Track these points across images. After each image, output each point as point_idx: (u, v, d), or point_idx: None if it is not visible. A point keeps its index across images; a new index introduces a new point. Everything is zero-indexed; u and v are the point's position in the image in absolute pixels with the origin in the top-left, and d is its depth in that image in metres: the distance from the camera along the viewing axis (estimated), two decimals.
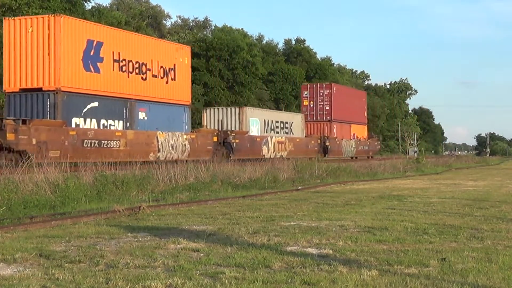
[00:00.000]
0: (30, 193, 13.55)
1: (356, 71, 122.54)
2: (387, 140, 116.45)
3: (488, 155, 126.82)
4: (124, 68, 30.39)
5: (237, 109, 41.09)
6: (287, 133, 45.96)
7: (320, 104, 55.77)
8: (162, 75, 33.08)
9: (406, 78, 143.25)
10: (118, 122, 29.81)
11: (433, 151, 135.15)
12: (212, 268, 6.81)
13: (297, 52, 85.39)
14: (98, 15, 47.92)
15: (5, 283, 6.10)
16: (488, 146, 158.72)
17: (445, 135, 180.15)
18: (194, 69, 65.28)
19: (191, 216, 11.79)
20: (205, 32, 79.12)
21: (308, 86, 58.30)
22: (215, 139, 36.07)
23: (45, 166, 15.58)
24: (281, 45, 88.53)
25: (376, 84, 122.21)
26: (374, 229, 9.76)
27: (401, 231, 9.60)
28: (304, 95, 57.11)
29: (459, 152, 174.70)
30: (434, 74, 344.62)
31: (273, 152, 41.81)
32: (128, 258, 7.33)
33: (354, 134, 60.33)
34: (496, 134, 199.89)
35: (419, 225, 10.27)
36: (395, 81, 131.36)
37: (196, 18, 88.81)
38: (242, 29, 78.48)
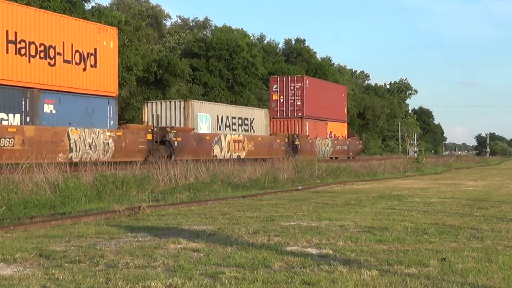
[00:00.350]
0: (30, 193, 13.56)
1: (355, 71, 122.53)
2: (387, 140, 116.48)
3: (488, 155, 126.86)
4: (23, 51, 25.29)
5: (182, 103, 36.04)
6: (246, 130, 40.76)
7: (291, 99, 50.16)
8: (78, 61, 27.95)
9: (406, 78, 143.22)
10: (14, 116, 24.71)
11: (433, 151, 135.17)
12: (212, 268, 6.81)
13: (297, 52, 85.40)
14: (98, 15, 47.89)
15: (5, 283, 6.10)
16: (488, 146, 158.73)
17: (445, 135, 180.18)
18: (194, 69, 65.33)
19: (191, 216, 11.79)
20: (205, 32, 79.13)
21: (278, 79, 52.10)
22: (149, 137, 30.92)
23: (45, 166, 15.58)
24: (281, 45, 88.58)
25: (376, 84, 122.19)
26: (374, 229, 9.76)
27: (401, 231, 9.60)
28: (273, 89, 51.27)
29: (459, 152, 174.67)
30: (434, 74, 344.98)
31: (228, 152, 37.09)
32: (128, 258, 7.33)
33: (331, 132, 55.00)
34: (496, 134, 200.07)
35: (419, 225, 10.27)
36: (395, 81, 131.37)
37: (196, 18, 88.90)
38: (242, 29, 78.58)
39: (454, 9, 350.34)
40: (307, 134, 49.17)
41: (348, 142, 58.19)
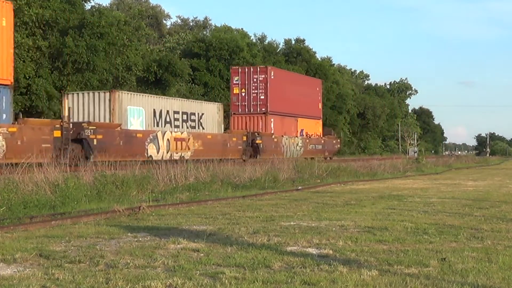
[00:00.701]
0: (30, 193, 13.56)
1: (355, 70, 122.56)
2: (387, 140, 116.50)
3: (488, 155, 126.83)
4: None
5: (107, 94, 30.48)
6: (193, 127, 35.84)
7: (253, 93, 44.62)
8: None
9: (406, 78, 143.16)
10: None
11: (433, 151, 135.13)
12: (212, 268, 6.81)
13: (296, 52, 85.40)
14: (98, 14, 47.87)
15: (5, 283, 6.10)
16: (488, 146, 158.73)
17: (445, 135, 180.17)
18: (194, 69, 65.31)
19: (191, 216, 11.79)
20: (205, 32, 79.15)
21: (240, 70, 45.98)
22: (56, 133, 26.05)
23: (45, 166, 15.58)
24: (281, 45, 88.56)
25: (376, 84, 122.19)
26: (374, 229, 9.76)
27: (401, 231, 9.60)
28: (234, 81, 45.59)
29: (459, 152, 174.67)
30: (434, 74, 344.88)
31: (167, 152, 32.61)
32: (128, 258, 7.33)
33: (302, 130, 49.70)
34: (496, 134, 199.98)
35: (419, 225, 10.27)
36: (395, 81, 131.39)
37: (196, 17, 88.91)
38: (242, 29, 78.57)
39: (454, 9, 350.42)
40: (272, 132, 44.46)
41: (323, 141, 53.06)
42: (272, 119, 44.84)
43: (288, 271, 6.59)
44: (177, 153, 33.46)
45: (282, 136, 45.37)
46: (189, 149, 34.57)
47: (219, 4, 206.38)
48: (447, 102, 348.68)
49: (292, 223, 10.71)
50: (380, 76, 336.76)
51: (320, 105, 55.20)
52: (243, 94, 44.65)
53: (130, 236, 9.14)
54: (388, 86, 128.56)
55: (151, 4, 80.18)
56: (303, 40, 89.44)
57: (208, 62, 66.74)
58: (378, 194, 17.81)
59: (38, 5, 43.31)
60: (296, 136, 48.16)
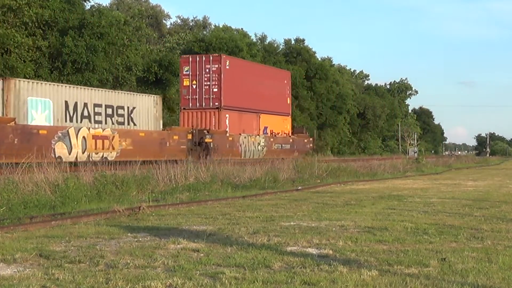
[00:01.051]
0: (30, 193, 13.56)
1: (355, 70, 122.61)
2: (387, 140, 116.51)
3: (488, 155, 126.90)
4: None
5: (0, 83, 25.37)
6: (121, 123, 30.70)
7: (205, 85, 39.47)
8: None
9: (406, 78, 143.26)
10: None
11: (433, 151, 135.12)
12: (212, 268, 6.81)
13: (296, 52, 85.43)
14: (98, 14, 47.87)
15: (5, 283, 6.10)
16: (488, 146, 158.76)
17: (445, 135, 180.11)
18: None
19: (191, 216, 11.79)
20: (204, 32, 79.18)
21: (190, 59, 40.52)
22: None
23: (45, 166, 15.59)
24: (281, 45, 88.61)
25: (376, 84, 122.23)
26: (374, 229, 9.76)
27: (401, 231, 9.60)
28: (184, 72, 40.22)
29: (459, 152, 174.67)
30: (434, 74, 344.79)
31: (84, 153, 27.91)
32: (128, 258, 7.33)
33: (265, 128, 44.64)
34: (496, 134, 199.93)
35: (419, 225, 10.27)
36: (395, 81, 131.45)
37: (195, 17, 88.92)
38: (242, 29, 78.61)
39: (454, 9, 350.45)
40: (227, 129, 39.43)
41: (292, 140, 47.37)
42: (227, 115, 39.86)
43: (288, 271, 6.59)
44: (97, 153, 28.63)
45: (240, 134, 40.35)
46: (113, 148, 29.52)
47: (219, 4, 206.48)
48: (447, 102, 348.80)
49: (292, 223, 10.71)
50: (380, 76, 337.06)
51: (289, 100, 49.62)
52: (194, 86, 39.66)
53: (130, 236, 9.14)
54: (388, 86, 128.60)
55: (151, 4, 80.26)
56: (303, 40, 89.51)
57: None
58: (378, 194, 17.81)
59: (38, 5, 43.33)
60: (258, 135, 43.03)
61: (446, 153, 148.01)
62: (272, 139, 44.36)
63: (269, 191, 18.32)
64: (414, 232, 9.57)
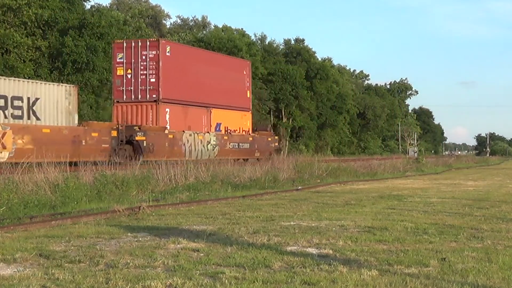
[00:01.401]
0: (30, 193, 13.56)
1: (354, 70, 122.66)
2: (387, 140, 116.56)
3: (488, 155, 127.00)
4: None
5: None
6: (18, 117, 25.24)
7: (142, 74, 34.01)
8: None
9: (406, 78, 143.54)
10: None
11: (433, 151, 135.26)
12: (212, 268, 6.81)
13: (296, 52, 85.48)
14: (98, 14, 47.91)
15: (5, 283, 6.10)
16: (488, 146, 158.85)
17: (445, 135, 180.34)
18: None
19: (191, 216, 11.80)
20: (204, 32, 79.21)
21: (125, 44, 34.55)
22: None
23: (45, 166, 15.59)
24: (281, 45, 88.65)
25: (376, 84, 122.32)
26: (374, 229, 9.76)
27: (401, 231, 9.60)
28: (117, 60, 34.42)
29: (459, 152, 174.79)
30: (434, 74, 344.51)
31: None
32: (128, 258, 7.33)
33: (219, 124, 39.16)
34: (496, 134, 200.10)
35: (419, 225, 10.27)
36: (395, 81, 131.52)
37: (195, 17, 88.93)
38: (242, 29, 78.62)
39: (454, 9, 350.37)
40: (167, 125, 33.98)
41: (251, 139, 41.59)
42: (167, 109, 34.42)
43: (288, 271, 6.59)
44: None
45: (184, 131, 34.77)
46: (4, 148, 24.31)
47: (219, 4, 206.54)
48: (447, 102, 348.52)
49: (292, 223, 10.71)
50: (380, 76, 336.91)
51: (248, 94, 43.46)
52: (129, 76, 34.09)
53: (130, 236, 9.14)
54: (388, 86, 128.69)
55: (151, 4, 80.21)
56: (303, 40, 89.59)
57: None
58: (378, 194, 17.82)
59: (37, 5, 43.35)
60: (208, 132, 37.38)
61: (446, 153, 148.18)
62: (226, 137, 38.80)
63: (269, 191, 18.32)
64: (414, 232, 9.57)
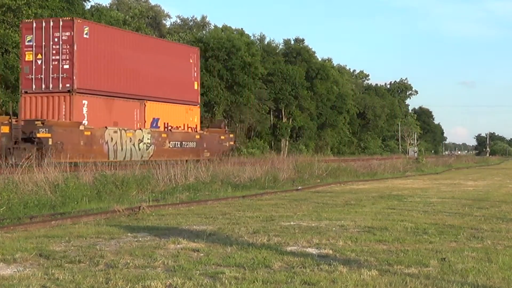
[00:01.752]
0: (30, 193, 13.56)
1: (355, 70, 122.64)
2: (387, 140, 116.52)
3: (488, 155, 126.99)
4: None
5: None
6: None
7: (54, 60, 29.22)
8: None
9: (406, 78, 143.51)
10: None
11: (433, 151, 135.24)
12: (212, 268, 6.81)
13: (296, 52, 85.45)
14: (98, 14, 47.91)
15: (5, 283, 6.10)
16: (488, 146, 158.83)
17: (445, 135, 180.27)
18: None
19: (191, 216, 11.79)
20: (204, 32, 79.18)
21: (34, 24, 29.75)
22: None
23: (45, 166, 15.59)
24: (281, 45, 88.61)
25: (376, 84, 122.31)
26: (374, 229, 9.76)
27: (401, 231, 9.60)
28: (26, 43, 29.67)
29: (459, 152, 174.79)
30: (434, 74, 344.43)
31: None
32: (128, 258, 7.33)
33: (157, 119, 34.22)
34: (496, 134, 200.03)
35: (419, 225, 10.27)
36: (395, 81, 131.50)
37: (194, 17, 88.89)
38: (242, 29, 78.59)
39: (454, 9, 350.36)
40: (84, 121, 29.33)
41: (199, 137, 36.93)
42: (84, 101, 29.55)
43: (288, 271, 6.59)
44: None
45: (106, 128, 30.07)
46: None
47: (219, 4, 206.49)
48: (447, 102, 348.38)
49: (292, 223, 10.71)
50: (380, 76, 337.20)
51: (196, 85, 38.36)
52: (39, 62, 29.31)
53: (130, 236, 9.13)
54: (388, 86, 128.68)
55: (151, 4, 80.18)
56: (303, 40, 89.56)
57: (207, 62, 66.72)
58: (378, 194, 17.82)
59: (37, 5, 43.33)
60: (141, 129, 32.62)
61: (446, 153, 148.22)
62: (165, 135, 34.07)
63: (269, 191, 18.32)
64: (414, 232, 9.57)
